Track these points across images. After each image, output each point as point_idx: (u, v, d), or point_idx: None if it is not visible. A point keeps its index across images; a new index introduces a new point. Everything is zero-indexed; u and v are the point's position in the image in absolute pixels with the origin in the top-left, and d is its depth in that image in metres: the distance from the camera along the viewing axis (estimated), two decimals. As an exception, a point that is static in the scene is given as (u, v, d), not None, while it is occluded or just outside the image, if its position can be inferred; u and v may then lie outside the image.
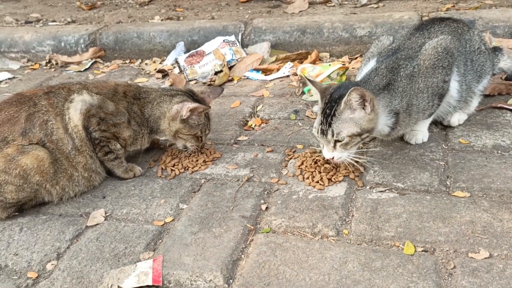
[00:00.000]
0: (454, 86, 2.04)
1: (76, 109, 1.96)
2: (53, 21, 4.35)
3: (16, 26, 4.34)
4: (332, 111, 1.76)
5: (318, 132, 1.81)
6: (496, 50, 2.36)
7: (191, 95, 2.19)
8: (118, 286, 1.54)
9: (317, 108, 2.34)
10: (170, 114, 2.11)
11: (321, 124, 1.79)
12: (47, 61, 3.84)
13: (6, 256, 1.74)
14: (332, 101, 1.78)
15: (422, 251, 1.54)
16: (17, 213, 1.95)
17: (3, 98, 2.06)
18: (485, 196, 1.75)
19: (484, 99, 2.32)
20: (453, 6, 3.41)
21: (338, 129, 1.75)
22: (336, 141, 1.77)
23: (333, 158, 1.81)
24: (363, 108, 1.74)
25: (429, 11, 3.32)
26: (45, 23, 4.32)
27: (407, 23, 3.10)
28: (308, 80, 1.92)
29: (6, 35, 4.01)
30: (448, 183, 1.84)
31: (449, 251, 1.52)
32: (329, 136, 1.77)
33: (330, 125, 1.76)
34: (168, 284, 1.54)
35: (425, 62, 1.93)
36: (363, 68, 2.07)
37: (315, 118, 2.18)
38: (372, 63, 2.00)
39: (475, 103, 2.21)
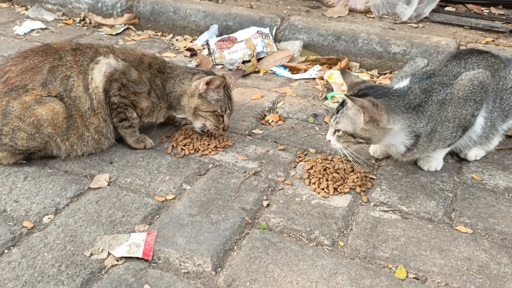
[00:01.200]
0: (479, 122, 2.02)
1: (100, 71, 1.97)
2: (95, -20, 4.36)
3: (58, -22, 4.36)
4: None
5: (332, 114, 1.94)
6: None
7: (212, 75, 2.20)
8: (108, 252, 1.55)
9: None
10: (190, 91, 2.12)
11: (336, 109, 1.91)
12: (81, 18, 3.87)
13: (6, 201, 1.75)
14: (357, 96, 1.84)
15: (414, 278, 1.52)
16: (24, 162, 1.98)
17: (31, 46, 2.08)
18: (487, 236, 1.72)
19: (506, 139, 2.28)
20: (493, 40, 3.35)
21: (338, 119, 1.87)
22: (336, 130, 1.88)
23: (329, 141, 1.93)
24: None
25: (468, 41, 3.27)
26: (86, -20, 4.34)
27: (443, 49, 3.06)
28: (341, 72, 2.03)
29: (46, -15, 4.05)
30: (453, 216, 1.82)
31: (441, 283, 1.51)
32: (332, 121, 1.90)
33: (337, 113, 1.87)
34: (157, 260, 1.54)
35: (459, 92, 1.91)
36: (394, 86, 2.05)
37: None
38: (405, 82, 2.00)
39: (496, 141, 2.18)
